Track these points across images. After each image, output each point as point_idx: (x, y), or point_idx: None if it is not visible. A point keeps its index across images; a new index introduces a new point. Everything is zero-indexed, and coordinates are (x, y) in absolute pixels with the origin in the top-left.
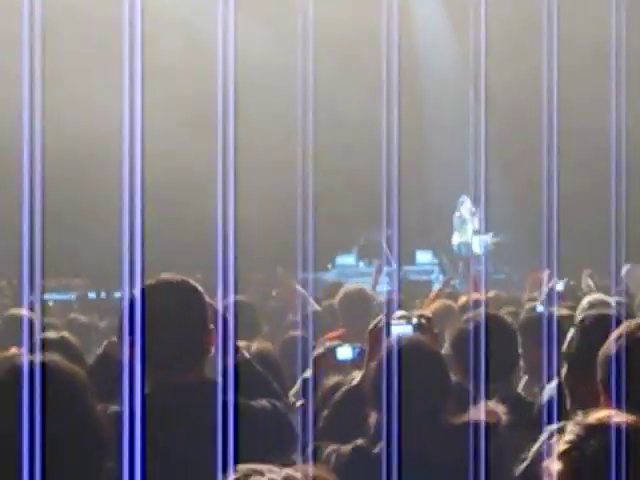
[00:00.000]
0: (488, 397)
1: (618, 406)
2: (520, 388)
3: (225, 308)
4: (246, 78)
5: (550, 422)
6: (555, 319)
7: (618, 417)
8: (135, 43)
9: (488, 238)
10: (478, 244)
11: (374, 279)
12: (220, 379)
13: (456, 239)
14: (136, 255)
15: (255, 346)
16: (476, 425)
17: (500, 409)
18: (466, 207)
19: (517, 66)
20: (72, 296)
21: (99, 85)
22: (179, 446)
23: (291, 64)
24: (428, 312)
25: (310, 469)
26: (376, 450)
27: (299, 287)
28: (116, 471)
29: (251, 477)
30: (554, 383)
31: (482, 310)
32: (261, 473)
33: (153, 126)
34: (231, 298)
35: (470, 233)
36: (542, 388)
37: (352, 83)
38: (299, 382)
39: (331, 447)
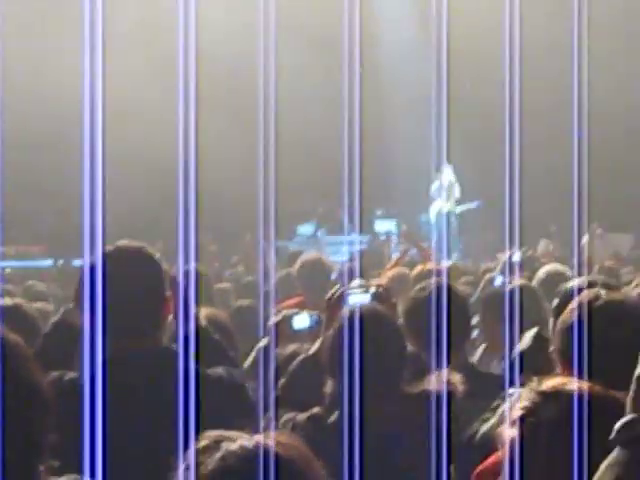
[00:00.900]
0: (441, 366)
1: (575, 375)
2: (476, 358)
3: (183, 276)
4: (207, 46)
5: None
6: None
7: (573, 384)
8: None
9: (462, 207)
10: (454, 213)
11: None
12: (177, 347)
13: (435, 208)
14: (96, 222)
15: (208, 313)
16: (432, 394)
17: (456, 378)
18: (446, 176)
19: (482, 38)
20: (30, 263)
21: (62, 48)
22: (136, 414)
23: (252, 35)
24: (386, 281)
25: (281, 436)
26: (332, 419)
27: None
28: (62, 441)
29: (222, 443)
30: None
31: (432, 280)
32: (232, 439)
33: (116, 91)
34: (191, 265)
35: (449, 202)
36: (502, 358)
37: (312, 54)
38: (255, 351)
39: (287, 416)
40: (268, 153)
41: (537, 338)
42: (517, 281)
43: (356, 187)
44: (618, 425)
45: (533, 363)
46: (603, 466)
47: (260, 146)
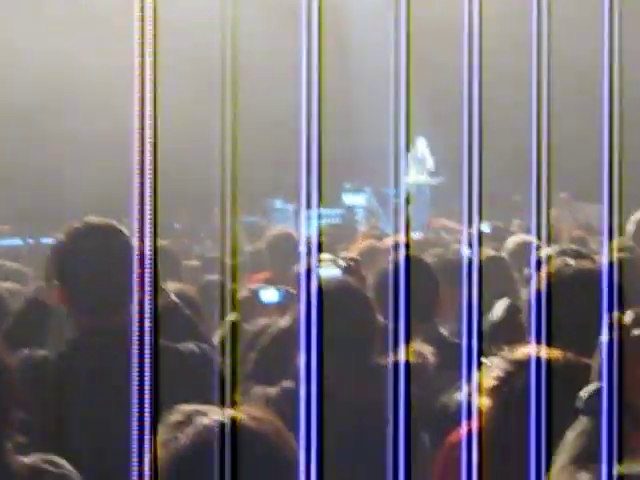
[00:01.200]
0: (412, 338)
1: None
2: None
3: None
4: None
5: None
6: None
7: (543, 352)
8: None
9: (433, 179)
10: (427, 185)
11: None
12: (147, 322)
13: (411, 178)
14: (65, 199)
15: (176, 289)
16: (404, 365)
17: (427, 349)
18: (420, 146)
19: (440, 11)
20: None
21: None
22: (107, 390)
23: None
24: (356, 254)
25: (253, 410)
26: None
27: None
28: (29, 420)
29: (194, 417)
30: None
31: (401, 252)
32: (204, 414)
33: (72, 70)
34: (159, 241)
35: (423, 173)
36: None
37: (273, 25)
38: (223, 325)
39: (259, 389)
40: (236, 126)
41: (509, 308)
42: (484, 252)
43: (324, 161)
44: (584, 394)
45: (506, 334)
46: (571, 435)
47: (227, 119)
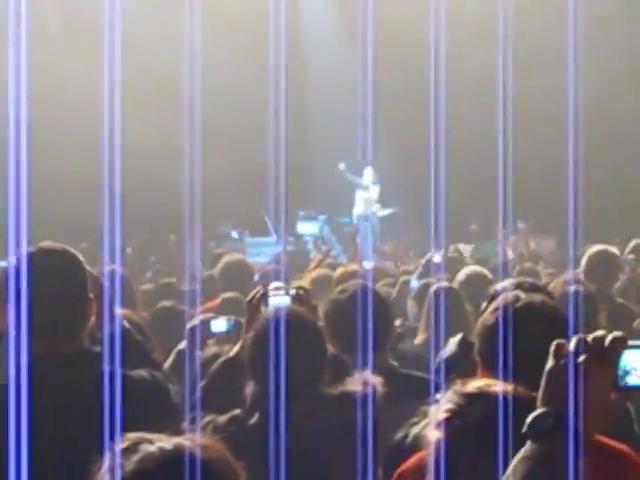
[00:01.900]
0: (362, 368)
1: (496, 377)
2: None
3: (107, 276)
4: (135, 53)
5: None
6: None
7: (496, 386)
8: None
9: (385, 210)
10: (376, 214)
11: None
12: (100, 349)
13: (357, 209)
14: (21, 224)
15: (124, 315)
16: (353, 395)
17: (375, 380)
18: (368, 177)
19: (405, 34)
20: None
21: None
22: (58, 417)
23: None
24: (306, 284)
25: (201, 438)
26: (253, 421)
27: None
28: None
29: (140, 445)
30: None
31: (354, 282)
32: (150, 441)
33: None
34: (117, 268)
35: (371, 203)
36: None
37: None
38: (174, 353)
39: (208, 418)
40: (193, 154)
41: (461, 344)
42: (438, 282)
43: (281, 188)
44: (529, 419)
45: (458, 369)
46: (515, 460)
47: (186, 144)
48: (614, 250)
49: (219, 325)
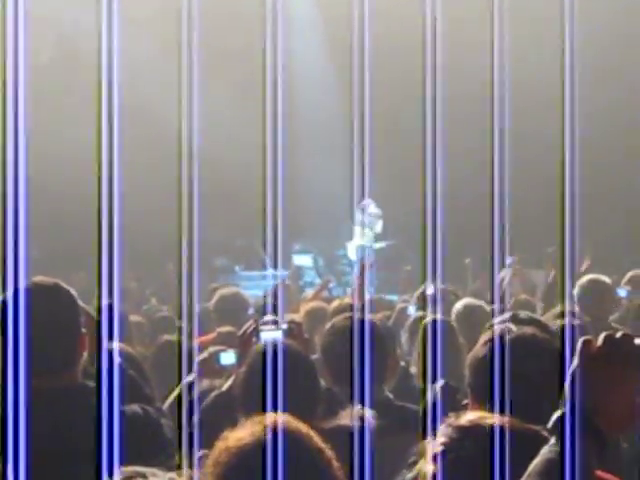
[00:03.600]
0: (358, 402)
1: (486, 409)
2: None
3: (99, 312)
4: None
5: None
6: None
7: (489, 419)
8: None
9: (380, 243)
10: (372, 248)
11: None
12: (93, 384)
13: (355, 242)
14: (19, 256)
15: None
16: (346, 429)
17: (369, 413)
18: (368, 210)
19: (398, 63)
20: None
21: None
22: (51, 451)
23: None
24: (298, 317)
25: (195, 474)
26: None
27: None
28: None
29: None
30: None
31: (348, 314)
32: (144, 476)
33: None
34: (115, 302)
35: (370, 237)
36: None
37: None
38: (180, 387)
39: (202, 452)
40: (192, 190)
41: (444, 389)
42: (431, 315)
43: (278, 221)
44: (553, 418)
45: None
46: (538, 458)
47: (184, 181)
48: (605, 279)
49: (228, 358)
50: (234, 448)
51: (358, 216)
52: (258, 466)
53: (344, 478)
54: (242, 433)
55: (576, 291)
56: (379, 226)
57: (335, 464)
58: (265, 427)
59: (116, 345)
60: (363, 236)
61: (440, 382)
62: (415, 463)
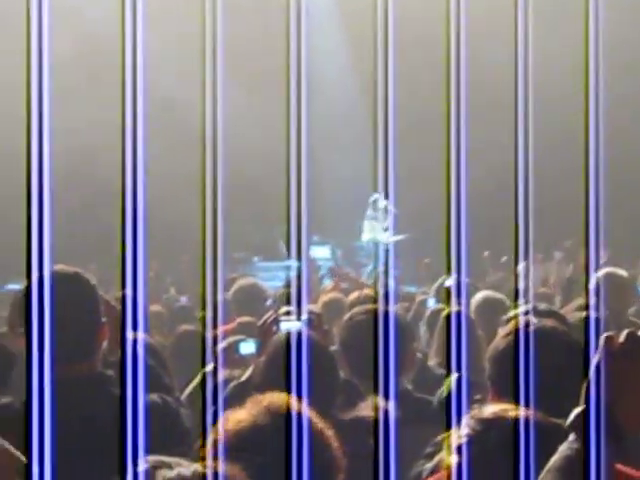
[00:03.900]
0: (376, 393)
1: (508, 401)
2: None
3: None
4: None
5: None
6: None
7: (513, 411)
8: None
9: (395, 237)
10: (387, 241)
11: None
12: (113, 373)
13: (366, 236)
14: (37, 246)
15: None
16: (365, 420)
17: (388, 405)
18: (378, 204)
19: (414, 58)
20: None
21: None
22: (71, 440)
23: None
24: (316, 309)
25: (221, 466)
26: None
27: None
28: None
29: (159, 470)
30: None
31: (368, 306)
32: (169, 466)
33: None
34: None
35: (381, 230)
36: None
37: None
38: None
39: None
40: (216, 180)
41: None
42: (452, 307)
43: (302, 213)
44: (572, 415)
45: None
46: (556, 456)
47: (208, 173)
48: (622, 272)
49: (248, 347)
50: (232, 431)
51: (369, 211)
52: (258, 445)
53: (343, 458)
54: (241, 414)
55: (593, 284)
56: (388, 220)
57: (334, 444)
58: (263, 408)
59: (140, 336)
60: (372, 230)
61: (455, 375)
62: (433, 454)
